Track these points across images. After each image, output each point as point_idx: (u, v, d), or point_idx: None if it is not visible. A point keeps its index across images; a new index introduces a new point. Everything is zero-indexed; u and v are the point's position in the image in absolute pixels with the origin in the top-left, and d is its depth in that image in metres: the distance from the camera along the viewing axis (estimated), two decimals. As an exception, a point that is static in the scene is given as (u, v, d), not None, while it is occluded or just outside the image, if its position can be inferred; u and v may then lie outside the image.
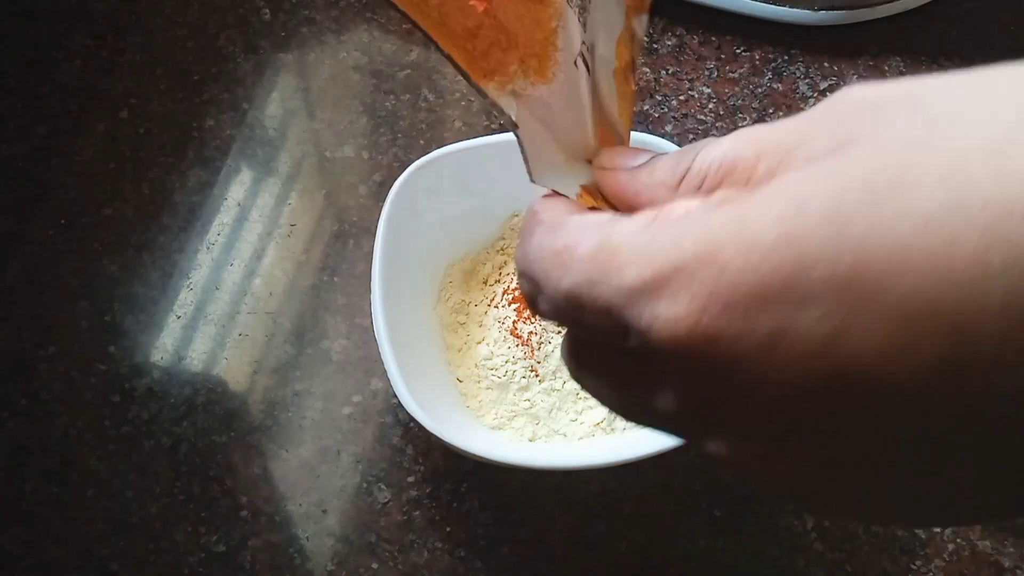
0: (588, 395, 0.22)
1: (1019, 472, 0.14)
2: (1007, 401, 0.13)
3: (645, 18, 0.20)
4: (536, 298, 0.19)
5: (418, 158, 0.42)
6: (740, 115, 0.51)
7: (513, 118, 0.20)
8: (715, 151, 0.18)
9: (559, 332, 0.43)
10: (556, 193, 0.21)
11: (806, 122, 0.16)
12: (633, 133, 0.26)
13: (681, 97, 0.51)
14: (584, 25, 0.20)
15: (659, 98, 0.51)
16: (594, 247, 0.17)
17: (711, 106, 0.51)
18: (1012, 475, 0.14)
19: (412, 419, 0.38)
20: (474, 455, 0.37)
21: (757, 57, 0.52)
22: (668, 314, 0.15)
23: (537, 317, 0.43)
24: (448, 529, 0.43)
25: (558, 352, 0.43)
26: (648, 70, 0.52)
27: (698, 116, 0.51)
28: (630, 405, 0.19)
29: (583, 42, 0.20)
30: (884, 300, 0.13)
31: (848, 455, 0.15)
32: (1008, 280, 0.12)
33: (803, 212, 0.14)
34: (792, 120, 0.17)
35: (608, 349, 0.19)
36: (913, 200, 0.13)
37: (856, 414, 0.14)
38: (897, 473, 0.15)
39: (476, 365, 0.43)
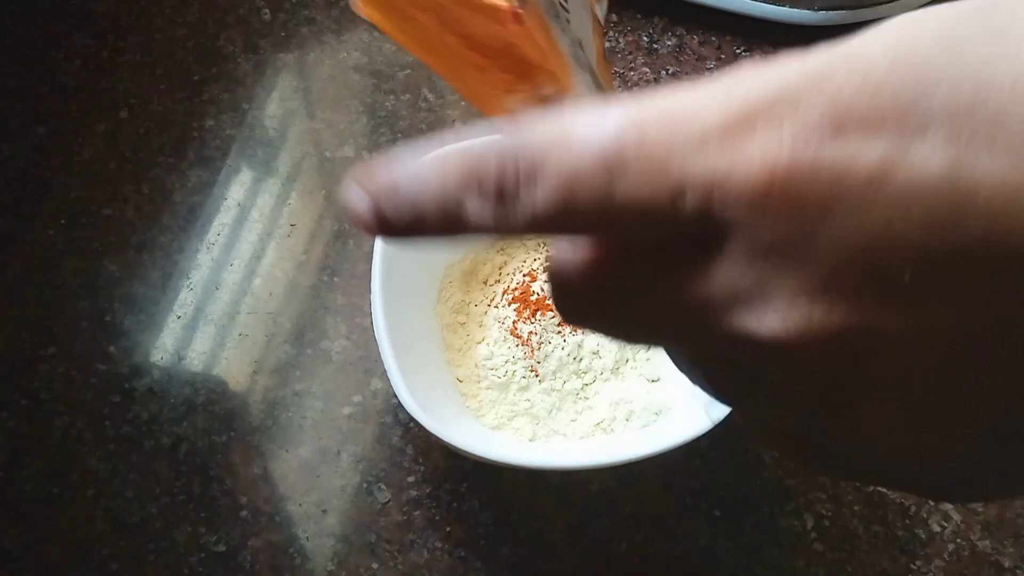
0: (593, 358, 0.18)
1: None
2: None
3: (605, 3, 0.19)
4: (525, 188, 0.14)
5: (418, 158, 0.42)
6: (740, 115, 0.51)
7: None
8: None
9: (559, 332, 0.43)
10: None
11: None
12: None
13: (681, 97, 0.51)
14: (569, 24, 0.20)
15: (659, 98, 0.51)
16: (639, 106, 0.14)
17: (711, 106, 0.51)
18: None
19: (412, 419, 0.38)
20: (474, 455, 0.37)
21: (757, 57, 0.52)
22: (766, 148, 0.13)
23: (534, 313, 0.44)
24: (448, 529, 0.43)
25: (558, 352, 0.43)
26: (648, 70, 0.52)
27: (698, 116, 0.51)
28: (658, 307, 0.15)
29: (577, 41, 0.20)
30: (1010, 126, 0.12)
31: (955, 318, 0.13)
32: None
33: (919, 39, 0.13)
34: None
35: (641, 243, 0.15)
36: None
37: (966, 267, 0.12)
38: (983, 366, 0.13)
39: (476, 365, 0.43)
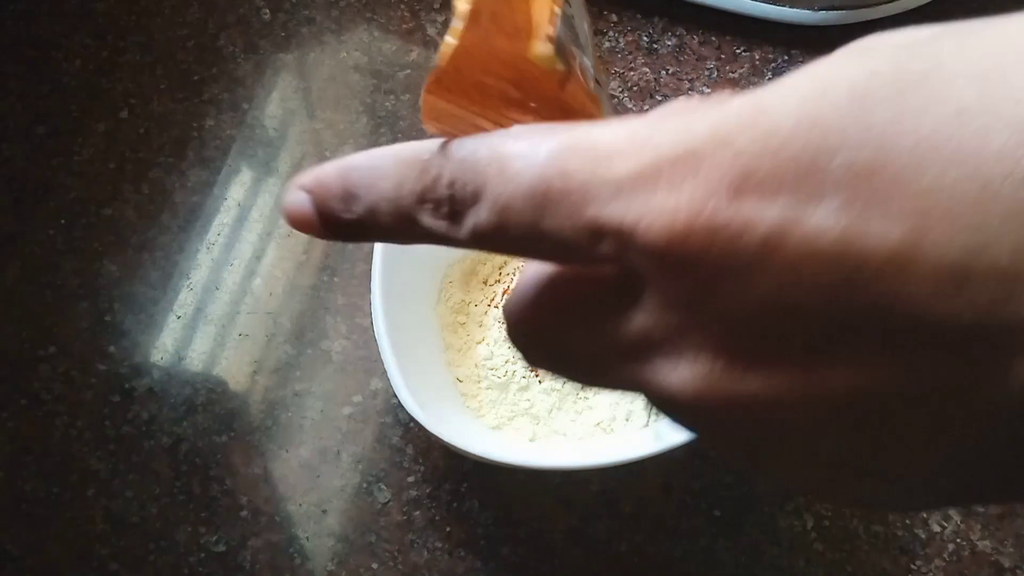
0: (564, 379, 0.18)
1: None
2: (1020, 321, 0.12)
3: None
4: (468, 209, 0.16)
5: (418, 158, 0.42)
6: (740, 115, 0.51)
7: None
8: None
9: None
10: None
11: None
12: None
13: (681, 97, 0.51)
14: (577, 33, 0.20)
15: (659, 98, 0.51)
16: (575, 136, 0.15)
17: (711, 106, 0.51)
18: None
19: (412, 419, 0.38)
20: (474, 455, 0.37)
21: (757, 57, 0.52)
22: (667, 204, 0.13)
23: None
24: (448, 529, 0.43)
25: None
26: (648, 70, 0.52)
27: (698, 116, 0.51)
28: (584, 346, 0.16)
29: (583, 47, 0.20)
30: (904, 195, 0.12)
31: (837, 382, 0.13)
32: None
33: (828, 95, 0.13)
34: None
35: (568, 275, 0.16)
36: (943, 93, 0.12)
37: (856, 331, 0.13)
38: (882, 413, 0.13)
39: (476, 365, 0.43)
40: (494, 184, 0.15)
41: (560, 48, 0.17)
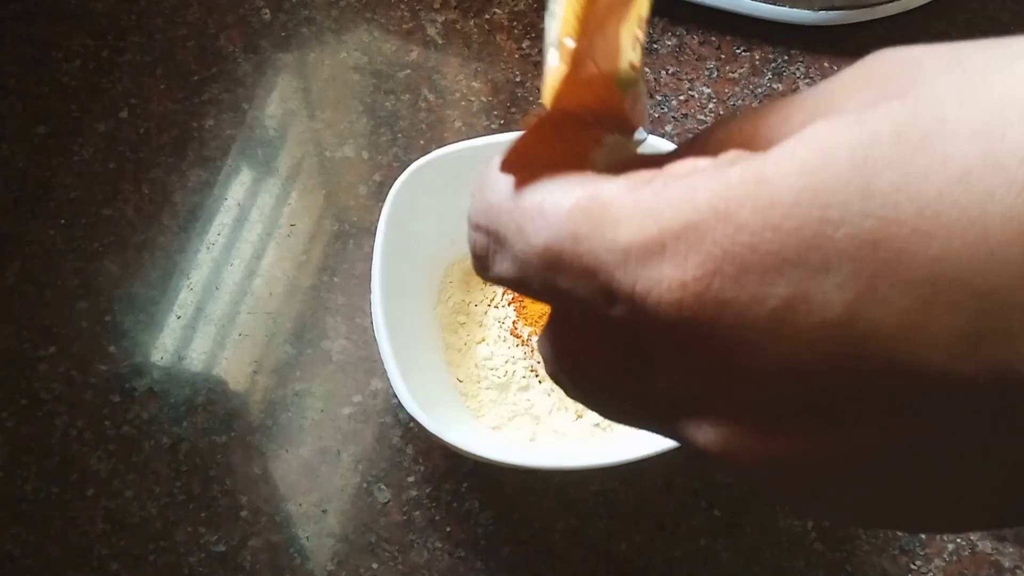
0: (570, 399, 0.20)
1: None
2: None
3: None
4: (494, 256, 0.16)
5: (418, 158, 0.42)
6: (740, 115, 0.51)
7: None
8: (733, 122, 0.16)
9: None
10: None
11: (834, 84, 0.15)
12: None
13: (681, 97, 0.51)
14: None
15: (659, 98, 0.51)
16: (584, 198, 0.15)
17: (711, 106, 0.51)
18: None
19: (412, 419, 0.38)
20: (474, 455, 0.37)
21: (757, 57, 0.52)
22: (672, 277, 0.13)
23: (534, 313, 0.43)
24: (448, 529, 0.43)
25: None
26: (648, 70, 0.52)
27: (698, 116, 0.51)
28: (614, 394, 0.17)
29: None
30: (911, 264, 0.12)
31: (859, 440, 0.13)
32: None
33: (828, 164, 0.13)
34: (820, 84, 0.15)
35: (591, 326, 0.17)
36: (946, 154, 0.12)
37: (869, 396, 0.13)
38: (902, 465, 0.14)
39: (476, 365, 0.43)
40: (513, 240, 0.16)
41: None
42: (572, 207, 0.15)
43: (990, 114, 0.12)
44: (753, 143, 0.16)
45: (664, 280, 0.13)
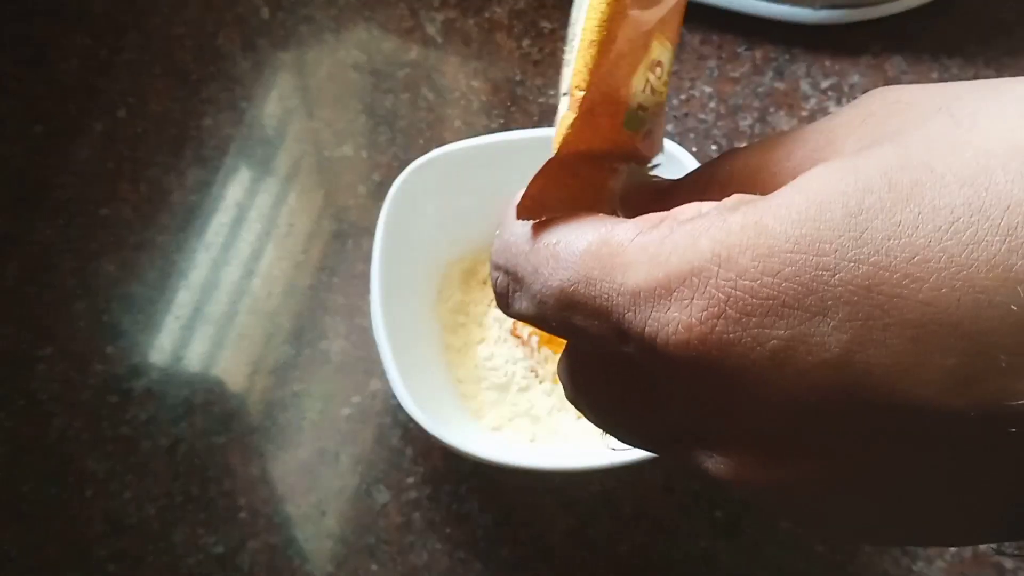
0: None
1: None
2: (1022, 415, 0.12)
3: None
4: (514, 294, 0.18)
5: (417, 157, 0.42)
6: (741, 114, 0.51)
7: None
8: (739, 156, 0.17)
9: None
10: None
11: (834, 121, 0.16)
12: None
13: (682, 96, 0.51)
14: None
15: (659, 97, 0.51)
16: (595, 242, 0.16)
17: (712, 105, 0.51)
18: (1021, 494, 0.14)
19: (411, 420, 0.38)
20: (474, 456, 0.37)
21: (758, 56, 0.52)
22: (679, 321, 0.14)
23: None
24: (448, 530, 0.43)
25: (559, 353, 0.43)
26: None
27: (699, 115, 0.51)
28: (628, 422, 0.18)
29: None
30: (902, 308, 0.13)
31: (856, 471, 0.14)
32: None
33: (824, 213, 0.13)
34: (821, 121, 0.16)
35: (607, 359, 0.18)
36: (935, 202, 0.13)
37: (868, 429, 0.14)
38: (900, 490, 0.14)
39: (476, 366, 0.43)
40: (530, 281, 0.17)
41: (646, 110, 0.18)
42: (584, 251, 0.16)
43: (976, 163, 0.13)
44: (757, 178, 0.16)
45: (671, 323, 0.14)
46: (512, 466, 0.38)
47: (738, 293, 0.14)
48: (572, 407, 0.42)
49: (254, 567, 0.42)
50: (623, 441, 0.19)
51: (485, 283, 0.45)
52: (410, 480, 0.43)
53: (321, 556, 0.42)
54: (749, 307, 0.14)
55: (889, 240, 0.13)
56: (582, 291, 0.16)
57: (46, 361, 0.45)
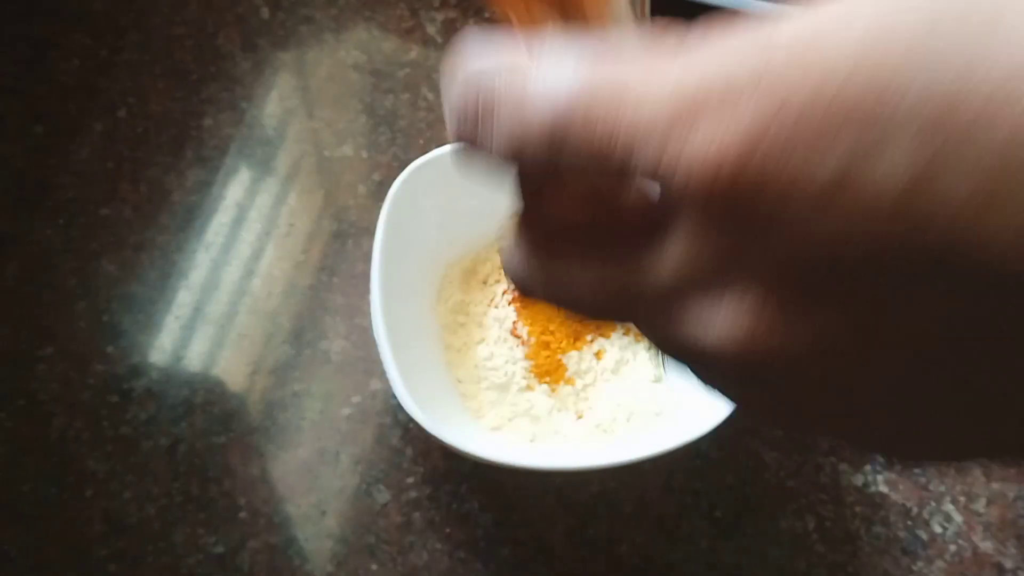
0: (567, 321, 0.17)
1: None
2: None
3: None
4: (483, 130, 0.15)
5: (417, 157, 0.42)
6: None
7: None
8: None
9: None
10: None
11: None
12: None
13: (682, 96, 0.51)
14: None
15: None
16: (595, 75, 0.13)
17: (712, 105, 0.51)
18: None
19: (412, 420, 0.38)
20: (474, 456, 0.37)
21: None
22: (714, 139, 0.12)
23: (534, 313, 0.43)
24: (448, 530, 0.43)
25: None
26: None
27: (699, 115, 0.51)
28: (598, 281, 0.15)
29: None
30: (979, 144, 0.11)
31: (892, 326, 0.12)
32: None
33: (893, 33, 0.12)
34: None
35: (579, 208, 0.15)
36: (1015, 34, 0.11)
37: (917, 280, 0.12)
38: (931, 358, 0.13)
39: (476, 365, 0.43)
40: (508, 113, 0.14)
41: None
42: (589, 71, 0.13)
43: None
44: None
45: (702, 142, 0.12)
46: (512, 466, 0.38)
47: (789, 110, 0.12)
48: (572, 407, 0.42)
49: (254, 567, 0.42)
50: (580, 312, 0.16)
51: (485, 283, 0.45)
52: (410, 480, 0.43)
53: (321, 556, 0.42)
54: (800, 128, 0.12)
55: (970, 65, 0.11)
56: (582, 117, 0.13)
57: (46, 361, 0.45)
